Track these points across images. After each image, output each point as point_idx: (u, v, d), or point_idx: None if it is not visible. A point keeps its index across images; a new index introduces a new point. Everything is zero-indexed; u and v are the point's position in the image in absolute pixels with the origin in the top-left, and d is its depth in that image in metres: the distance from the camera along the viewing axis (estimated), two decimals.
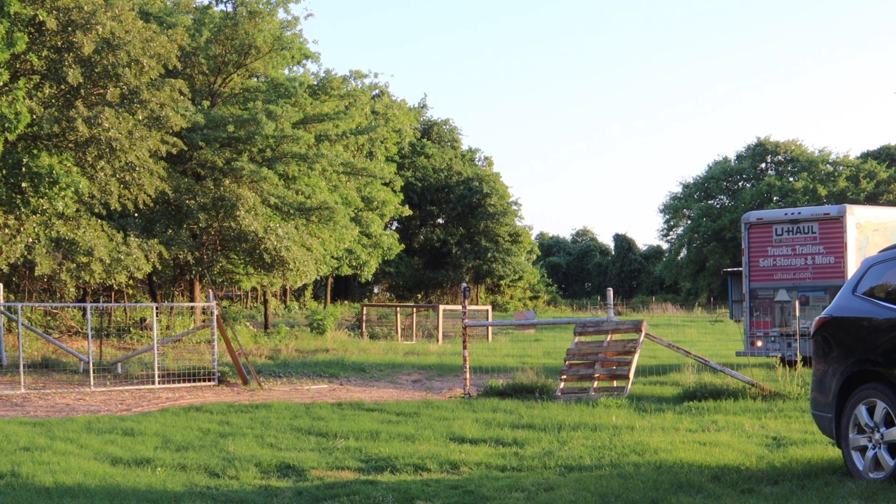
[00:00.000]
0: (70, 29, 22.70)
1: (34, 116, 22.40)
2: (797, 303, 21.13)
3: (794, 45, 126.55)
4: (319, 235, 33.33)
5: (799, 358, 18.69)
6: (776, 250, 23.11)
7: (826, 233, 22.58)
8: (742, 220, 23.86)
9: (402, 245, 55.97)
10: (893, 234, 22.83)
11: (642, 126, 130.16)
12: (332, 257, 39.30)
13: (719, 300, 70.73)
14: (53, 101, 23.96)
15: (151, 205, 27.21)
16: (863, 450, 9.19)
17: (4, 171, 22.44)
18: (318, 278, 46.71)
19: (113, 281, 25.68)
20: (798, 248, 22.85)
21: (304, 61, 37.44)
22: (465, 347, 18.79)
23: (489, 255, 66.61)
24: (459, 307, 29.28)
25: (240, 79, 33.33)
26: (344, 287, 63.71)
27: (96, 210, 26.76)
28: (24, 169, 21.97)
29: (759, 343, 22.85)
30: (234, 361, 21.26)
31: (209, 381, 20.99)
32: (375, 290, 68.51)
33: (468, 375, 18.63)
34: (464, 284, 19.94)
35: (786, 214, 23.37)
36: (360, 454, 11.57)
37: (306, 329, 35.68)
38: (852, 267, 22.05)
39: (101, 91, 23.97)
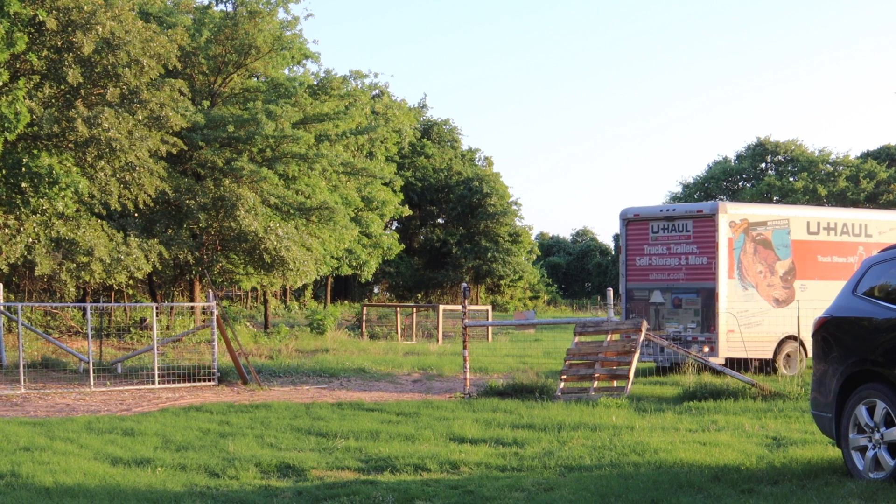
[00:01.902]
0: (70, 29, 22.70)
1: (34, 116, 22.40)
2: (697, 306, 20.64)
3: (794, 45, 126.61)
4: (319, 235, 33.33)
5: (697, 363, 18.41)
6: (652, 249, 22.19)
7: (700, 231, 21.63)
8: (620, 215, 22.93)
9: (402, 245, 55.97)
10: (775, 233, 22.05)
11: (642, 126, 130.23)
12: (332, 257, 39.29)
13: None
14: (53, 101, 23.95)
15: (151, 205, 27.21)
16: (863, 450, 9.19)
17: (4, 171, 22.44)
18: (318, 278, 46.71)
19: (113, 281, 25.67)
20: (673, 246, 21.92)
21: (304, 61, 37.43)
22: (465, 347, 18.79)
23: (489, 255, 66.61)
24: (459, 307, 29.28)
25: (240, 79, 33.33)
26: (344, 287, 63.70)
27: (96, 210, 26.75)
28: (24, 169, 21.97)
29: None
30: (234, 361, 21.26)
31: (209, 381, 20.98)
32: (375, 290, 68.49)
33: (468, 375, 18.62)
34: (464, 284, 19.92)
35: (661, 211, 22.41)
36: (360, 454, 11.56)
37: (306, 329, 35.67)
38: (724, 268, 21.14)
39: (101, 91, 23.97)
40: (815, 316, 21.59)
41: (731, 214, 21.52)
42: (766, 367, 21.50)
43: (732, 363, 20.78)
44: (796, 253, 22.30)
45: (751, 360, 21.05)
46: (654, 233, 22.14)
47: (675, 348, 18.47)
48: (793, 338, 21.56)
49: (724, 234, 21.30)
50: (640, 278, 22.28)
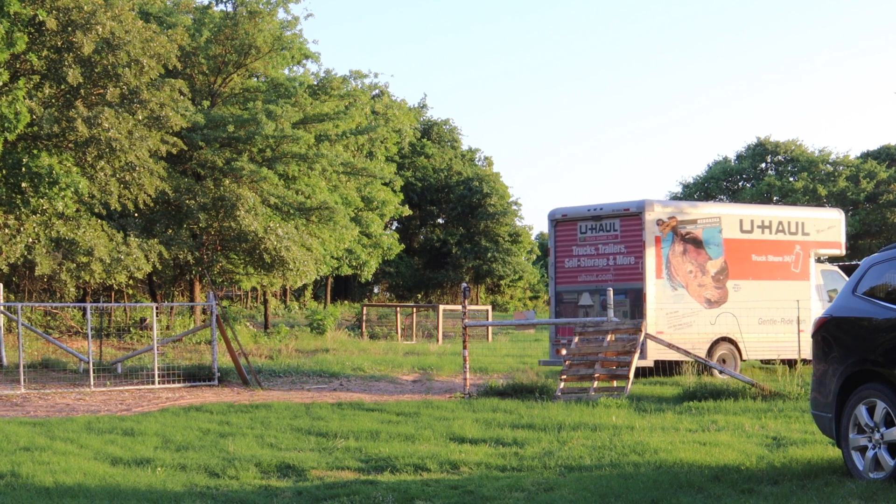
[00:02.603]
0: (70, 29, 22.70)
1: (34, 116, 22.40)
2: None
3: (794, 45, 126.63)
4: (319, 235, 33.32)
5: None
6: (581, 250, 21.62)
7: (627, 230, 21.07)
8: (548, 216, 22.36)
9: (402, 245, 55.96)
10: (705, 232, 21.53)
11: (642, 126, 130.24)
12: (332, 257, 39.28)
13: None
14: (53, 101, 23.95)
15: (151, 205, 27.20)
16: (863, 450, 9.19)
17: (4, 171, 22.44)
18: (318, 278, 46.69)
19: (113, 281, 25.67)
20: (601, 247, 21.38)
21: (304, 61, 37.43)
22: (465, 347, 18.78)
23: (489, 255, 66.61)
24: (459, 307, 29.28)
25: (240, 79, 33.32)
26: (344, 287, 63.68)
27: (96, 210, 26.75)
28: (24, 169, 21.97)
29: (564, 351, 20.74)
30: (234, 361, 21.26)
31: (209, 381, 20.99)
32: (375, 290, 68.47)
33: (468, 375, 18.62)
34: (464, 284, 19.91)
35: (589, 210, 21.78)
36: (360, 454, 11.56)
37: (306, 329, 35.67)
38: (651, 268, 20.65)
39: (101, 91, 23.97)
40: (749, 316, 21.24)
41: (659, 212, 20.94)
42: (700, 369, 20.77)
43: (663, 366, 20.38)
44: (729, 252, 21.71)
45: (683, 362, 20.27)
46: (582, 233, 21.61)
47: (675, 348, 18.42)
48: (727, 339, 21.13)
49: (651, 232, 20.74)
50: (569, 280, 21.71)
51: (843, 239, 23.54)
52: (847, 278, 23.78)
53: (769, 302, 21.67)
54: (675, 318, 20.71)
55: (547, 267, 22.20)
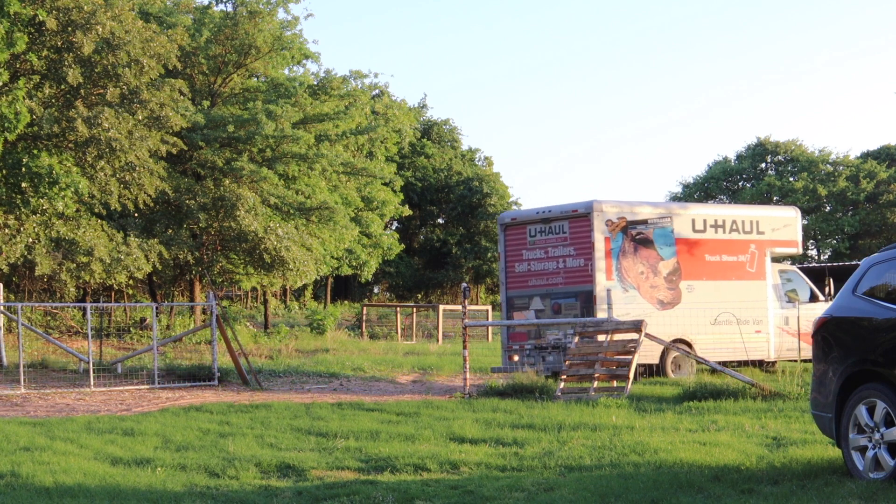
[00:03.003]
0: (70, 29, 22.70)
1: (34, 116, 22.40)
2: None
3: (794, 45, 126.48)
4: (319, 235, 33.33)
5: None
6: (531, 254, 21.22)
7: (576, 232, 20.66)
8: (498, 221, 21.98)
9: (402, 245, 55.93)
10: (656, 232, 21.11)
11: (642, 126, 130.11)
12: (332, 257, 39.28)
13: None
14: (53, 101, 23.95)
15: (151, 205, 27.21)
16: (863, 450, 9.19)
17: (4, 171, 22.44)
18: (318, 278, 46.69)
19: (113, 281, 25.68)
20: (551, 250, 20.96)
21: (304, 61, 37.43)
22: (465, 347, 18.78)
23: (489, 255, 66.59)
24: (459, 307, 29.28)
25: (240, 79, 33.33)
26: (344, 287, 63.67)
27: (96, 210, 26.76)
28: (24, 169, 21.97)
29: (516, 357, 20.89)
30: (234, 361, 21.26)
31: (209, 381, 20.99)
32: (375, 290, 68.45)
33: (468, 375, 18.62)
34: (464, 284, 19.90)
35: (538, 213, 21.43)
36: (360, 454, 11.56)
37: (306, 329, 35.68)
38: (600, 269, 20.30)
39: (101, 91, 23.97)
40: (703, 318, 20.97)
41: (608, 212, 20.54)
42: (654, 372, 20.64)
43: None
44: (681, 252, 21.33)
45: (636, 365, 19.82)
46: (531, 237, 21.22)
47: (675, 348, 18.42)
48: (681, 341, 20.71)
49: (600, 233, 20.38)
50: (520, 285, 21.29)
51: (799, 237, 23.08)
52: (805, 278, 23.57)
53: (724, 302, 21.20)
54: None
55: (499, 273, 21.87)
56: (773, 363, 22.31)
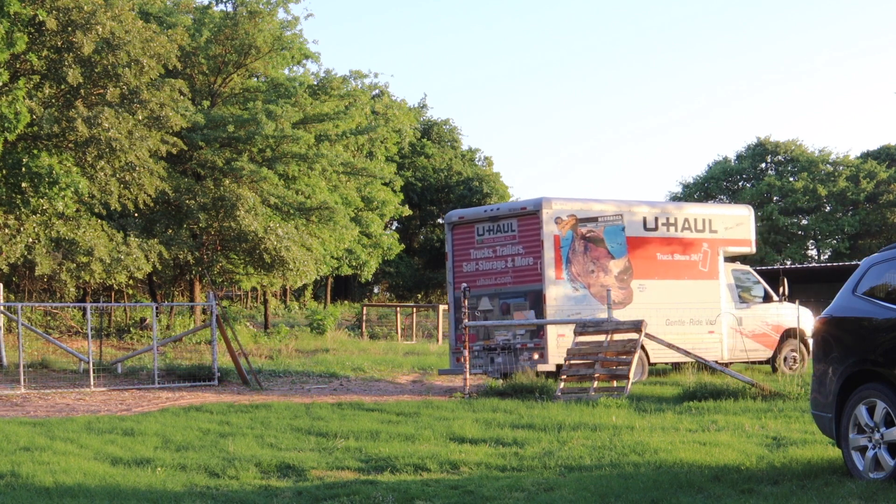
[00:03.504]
0: (70, 29, 22.70)
1: (34, 116, 22.41)
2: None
3: (794, 45, 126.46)
4: (319, 235, 33.33)
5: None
6: (479, 253, 20.74)
7: (525, 230, 20.19)
8: (444, 219, 21.52)
9: (402, 245, 55.92)
10: (607, 230, 20.69)
11: (642, 126, 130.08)
12: (332, 257, 39.29)
13: None
14: (53, 101, 23.96)
15: (151, 205, 27.21)
16: (863, 450, 9.19)
17: (4, 171, 22.44)
18: (318, 278, 46.68)
19: (113, 281, 25.68)
20: (499, 249, 20.49)
21: (304, 61, 37.44)
22: (465, 347, 18.76)
23: None
24: None
25: (240, 79, 33.33)
26: (344, 287, 63.66)
27: (96, 210, 26.76)
28: (24, 169, 21.98)
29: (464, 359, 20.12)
30: (234, 361, 21.26)
31: (209, 381, 20.99)
32: (375, 290, 68.44)
33: (468, 375, 18.61)
34: (464, 284, 19.77)
35: (486, 211, 21.07)
36: (360, 454, 11.56)
37: (306, 329, 35.69)
38: (550, 268, 19.82)
39: (101, 91, 23.98)
40: (655, 318, 20.41)
41: (558, 210, 20.10)
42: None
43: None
44: (633, 251, 20.93)
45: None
46: (479, 235, 20.73)
47: (675, 348, 18.38)
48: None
49: (549, 231, 19.93)
50: (469, 285, 20.57)
51: (753, 236, 22.76)
52: (759, 278, 23.30)
53: (676, 302, 20.88)
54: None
55: (446, 273, 21.36)
56: (727, 365, 21.88)
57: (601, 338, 18.18)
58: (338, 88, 38.07)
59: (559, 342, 19.70)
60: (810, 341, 22.64)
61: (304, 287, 54.46)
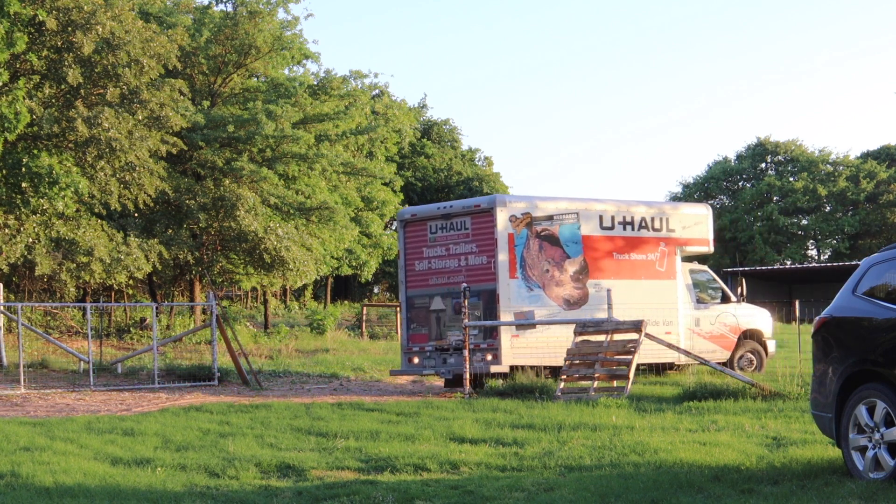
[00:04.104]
0: (70, 29, 22.71)
1: (34, 116, 22.41)
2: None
3: (794, 45, 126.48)
4: (319, 235, 33.34)
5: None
6: (431, 251, 20.24)
7: (478, 228, 19.74)
8: (397, 217, 20.81)
9: None
10: (562, 229, 20.19)
11: (642, 126, 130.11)
12: (332, 257, 39.31)
13: None
14: (53, 101, 23.97)
15: (151, 205, 27.22)
16: (863, 450, 9.19)
17: (4, 171, 22.45)
18: (318, 278, 46.69)
19: (113, 281, 25.69)
20: (452, 247, 20.02)
21: (304, 61, 37.45)
22: (465, 347, 18.76)
23: None
24: None
25: (240, 79, 33.34)
26: (344, 287, 63.65)
27: (96, 210, 26.78)
28: (24, 169, 21.99)
29: (416, 360, 20.04)
30: (234, 361, 21.27)
31: (209, 381, 20.99)
32: (375, 290, 68.44)
33: (468, 375, 18.61)
34: (463, 284, 19.70)
35: (438, 209, 20.61)
36: (360, 454, 11.56)
37: (306, 329, 35.69)
38: (504, 267, 19.38)
39: (101, 91, 23.99)
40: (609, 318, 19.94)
41: (512, 208, 19.65)
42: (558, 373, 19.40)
43: (523, 371, 18.89)
44: (588, 250, 20.48)
45: (542, 367, 19.15)
46: (432, 233, 20.25)
47: (675, 348, 18.37)
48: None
49: (504, 229, 19.45)
50: (421, 284, 20.35)
51: (710, 236, 22.36)
52: (717, 279, 23.03)
53: (633, 303, 20.29)
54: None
55: (398, 272, 20.89)
56: (680, 368, 21.65)
57: (601, 338, 18.17)
58: (338, 88, 38.08)
59: (513, 343, 19.33)
60: (768, 342, 22.64)
61: (304, 287, 54.46)
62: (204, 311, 30.27)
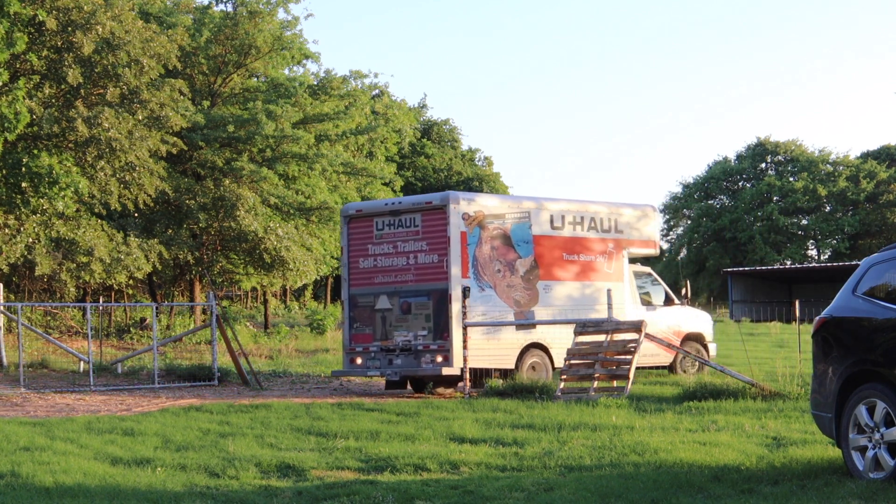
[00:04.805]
0: (70, 29, 22.72)
1: (34, 116, 22.42)
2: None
3: (794, 45, 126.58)
4: (319, 235, 33.35)
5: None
6: (377, 248, 19.60)
7: (429, 226, 19.15)
8: (341, 212, 20.51)
9: None
10: (514, 228, 19.73)
11: (643, 126, 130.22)
12: (332, 257, 39.33)
13: (719, 300, 70.76)
14: (53, 101, 23.97)
15: (151, 205, 27.23)
16: (863, 450, 9.19)
17: (4, 171, 22.45)
18: (318, 278, 46.71)
19: (113, 281, 25.70)
20: (400, 244, 19.37)
21: (304, 61, 37.45)
22: (465, 347, 18.75)
23: None
24: None
25: (240, 79, 33.34)
26: None
27: (96, 210, 26.79)
28: (24, 169, 21.99)
29: (360, 360, 19.52)
30: (234, 361, 21.27)
31: (209, 381, 20.99)
32: None
33: (468, 375, 18.60)
34: (464, 284, 19.69)
35: (386, 205, 20.12)
36: (360, 454, 11.56)
37: (306, 329, 35.69)
38: (456, 265, 18.82)
39: (101, 91, 24.00)
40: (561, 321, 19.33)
41: (465, 205, 19.12)
42: (512, 377, 18.88)
43: (473, 373, 18.73)
44: (539, 250, 19.97)
45: (493, 370, 18.95)
46: (378, 230, 19.61)
47: (675, 348, 18.38)
48: (538, 346, 19.57)
49: (456, 227, 18.85)
50: (365, 282, 19.71)
51: (657, 237, 22.13)
52: (660, 281, 22.78)
53: (581, 305, 20.09)
54: (483, 321, 19.08)
55: (342, 269, 20.32)
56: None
57: (601, 338, 18.17)
58: (338, 88, 38.08)
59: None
60: (709, 345, 22.51)
61: (304, 287, 54.48)
62: (204, 311, 30.27)
